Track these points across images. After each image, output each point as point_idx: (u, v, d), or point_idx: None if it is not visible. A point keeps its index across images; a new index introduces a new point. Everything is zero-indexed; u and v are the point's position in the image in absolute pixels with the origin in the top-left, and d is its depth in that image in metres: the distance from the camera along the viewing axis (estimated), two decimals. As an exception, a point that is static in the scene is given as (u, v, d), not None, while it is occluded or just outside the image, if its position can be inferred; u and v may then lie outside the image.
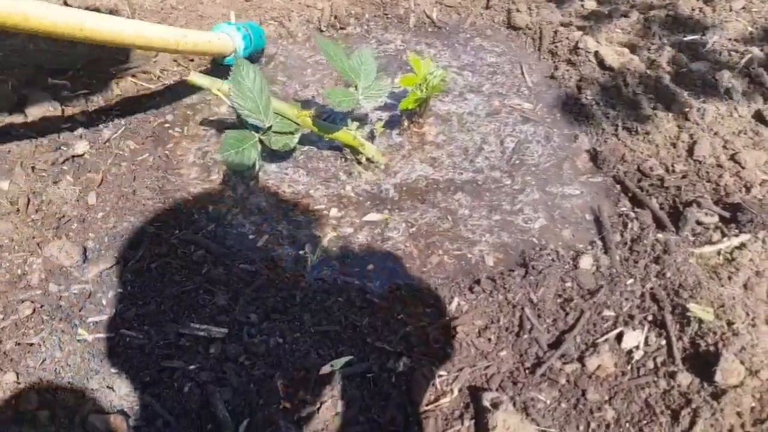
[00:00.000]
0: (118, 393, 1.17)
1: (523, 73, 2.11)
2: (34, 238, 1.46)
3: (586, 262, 1.44)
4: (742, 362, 1.12)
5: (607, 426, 1.12)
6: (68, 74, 1.97)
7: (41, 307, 1.32)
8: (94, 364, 1.22)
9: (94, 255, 1.46)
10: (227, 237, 1.56)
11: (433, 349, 1.26)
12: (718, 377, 1.09)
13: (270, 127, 1.57)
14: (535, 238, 1.57)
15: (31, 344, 1.24)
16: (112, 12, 2.27)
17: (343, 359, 1.24)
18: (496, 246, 1.55)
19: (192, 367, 1.21)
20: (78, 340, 1.26)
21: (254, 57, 2.13)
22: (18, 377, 1.18)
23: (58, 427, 1.11)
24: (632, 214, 1.57)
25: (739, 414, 1.09)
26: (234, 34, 1.91)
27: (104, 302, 1.35)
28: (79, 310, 1.33)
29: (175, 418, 1.15)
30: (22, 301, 1.32)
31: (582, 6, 2.38)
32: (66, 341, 1.25)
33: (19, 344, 1.23)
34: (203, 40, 1.77)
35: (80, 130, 1.79)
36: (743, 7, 2.21)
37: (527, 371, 1.20)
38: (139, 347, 1.25)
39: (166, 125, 1.91)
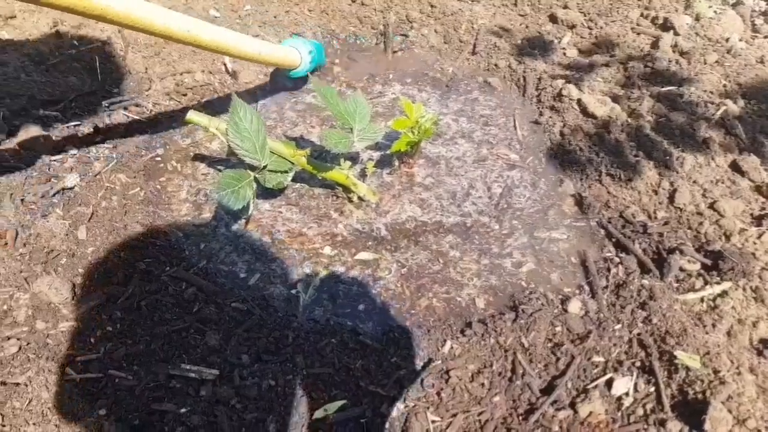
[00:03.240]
0: (107, 437, 1.15)
1: (513, 121, 2.16)
2: (21, 272, 1.44)
3: (574, 306, 1.47)
4: (730, 411, 1.15)
5: (600, 473, 1.13)
6: (60, 105, 1.97)
7: (28, 345, 1.29)
8: (82, 405, 1.19)
9: (83, 291, 1.44)
10: (219, 274, 1.56)
11: (426, 394, 1.26)
12: (707, 426, 1.12)
13: (266, 166, 1.58)
14: (524, 281, 1.60)
15: (17, 384, 1.21)
16: (105, 43, 2.28)
17: (337, 403, 1.23)
18: (485, 289, 1.58)
19: (183, 410, 1.19)
20: (65, 380, 1.23)
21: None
22: (3, 419, 1.14)
23: (44, 472, 1.08)
24: (617, 259, 1.62)
25: (727, 463, 1.11)
26: (302, 49, 2.06)
27: (93, 341, 1.33)
28: (67, 349, 1.30)
29: (166, 463, 1.13)
30: (8, 339, 1.29)
31: (564, 55, 2.47)
32: (53, 381, 1.22)
33: (4, 384, 1.20)
34: (278, 54, 1.94)
35: (71, 163, 1.78)
36: (716, 61, 2.33)
37: (521, 418, 1.21)
38: (128, 389, 1.23)
39: (158, 159, 1.91)
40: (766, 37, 2.51)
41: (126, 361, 1.29)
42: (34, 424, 1.14)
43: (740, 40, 2.47)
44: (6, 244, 1.48)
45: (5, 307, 1.36)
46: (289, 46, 2.05)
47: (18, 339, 1.30)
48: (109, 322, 1.37)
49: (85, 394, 1.21)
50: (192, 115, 1.55)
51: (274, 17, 2.56)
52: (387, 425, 1.21)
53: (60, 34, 2.28)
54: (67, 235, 1.56)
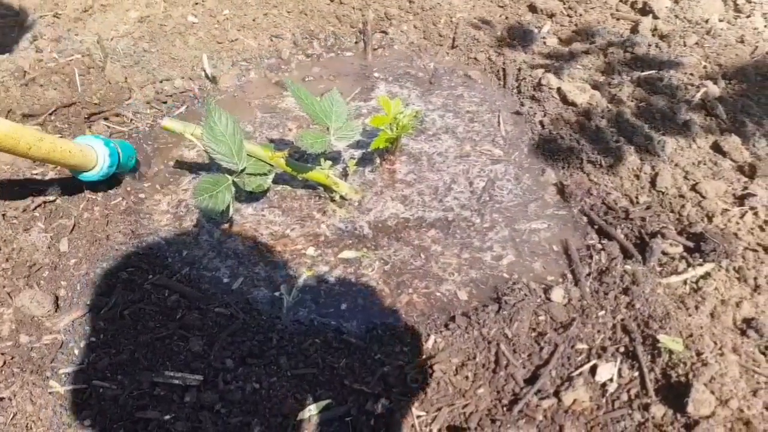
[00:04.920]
0: (91, 447, 1.15)
1: (498, 116, 2.15)
2: (4, 287, 1.44)
3: (557, 295, 1.47)
4: (712, 392, 1.15)
5: (585, 460, 1.13)
6: (40, 119, 1.96)
7: (12, 359, 1.29)
8: (66, 417, 1.19)
9: (66, 303, 1.44)
10: (202, 280, 1.56)
11: (411, 389, 1.26)
12: (690, 408, 1.12)
13: (244, 170, 1.58)
14: (506, 272, 1.59)
15: (1, 398, 1.21)
16: (84, 54, 2.28)
17: (321, 403, 1.23)
18: (467, 282, 1.57)
19: (167, 417, 1.19)
20: (50, 393, 1.23)
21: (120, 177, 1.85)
22: (-14, 435, 1.15)
23: (29, 486, 1.09)
24: (600, 246, 1.61)
25: (711, 443, 1.11)
26: (100, 147, 1.63)
27: (76, 352, 1.33)
28: (51, 362, 1.30)
29: (151, 471, 1.13)
30: (-8, 354, 1.29)
31: (544, 44, 2.47)
32: (37, 394, 1.22)
33: (-12, 400, 1.20)
34: (62, 148, 1.50)
35: (52, 175, 1.78)
36: (696, 43, 2.32)
37: (505, 408, 1.22)
38: (112, 398, 1.23)
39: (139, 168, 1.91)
40: (748, 16, 2.50)
41: (110, 370, 1.29)
42: (17, 438, 1.14)
43: (721, 20, 2.46)
44: (-13, 260, 1.48)
45: (-12, 323, 1.36)
46: (84, 143, 1.61)
47: (2, 354, 1.30)
48: (92, 332, 1.37)
49: (69, 406, 1.21)
50: (167, 122, 1.55)
51: (253, 20, 2.55)
52: (372, 422, 1.21)
53: (39, 48, 2.28)
54: (49, 248, 1.56)
